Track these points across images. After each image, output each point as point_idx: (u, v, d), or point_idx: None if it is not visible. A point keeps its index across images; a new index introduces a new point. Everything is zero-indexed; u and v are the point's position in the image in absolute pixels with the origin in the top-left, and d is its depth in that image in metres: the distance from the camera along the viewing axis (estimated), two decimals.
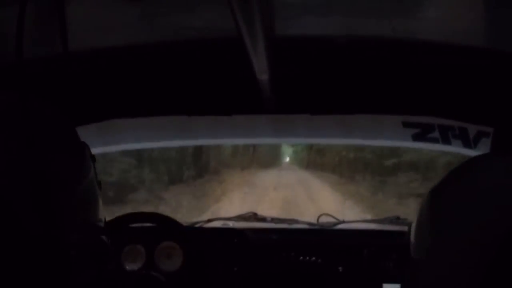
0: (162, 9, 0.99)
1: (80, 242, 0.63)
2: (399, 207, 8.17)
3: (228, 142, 1.96)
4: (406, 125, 1.57)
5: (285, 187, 13.62)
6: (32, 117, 0.59)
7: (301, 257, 1.64)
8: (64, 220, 0.60)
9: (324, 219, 1.91)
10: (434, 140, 1.56)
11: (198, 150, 11.63)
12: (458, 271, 0.55)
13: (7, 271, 0.55)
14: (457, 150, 1.58)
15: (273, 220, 1.89)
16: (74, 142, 0.65)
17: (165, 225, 1.54)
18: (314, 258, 1.64)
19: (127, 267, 1.51)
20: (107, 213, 0.75)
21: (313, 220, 1.90)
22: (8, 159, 0.56)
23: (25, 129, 0.57)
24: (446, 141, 1.55)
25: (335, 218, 1.90)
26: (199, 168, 13.03)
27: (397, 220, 1.88)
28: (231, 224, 1.86)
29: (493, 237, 0.52)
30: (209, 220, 1.88)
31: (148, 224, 1.57)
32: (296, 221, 1.90)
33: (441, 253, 0.57)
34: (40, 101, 0.63)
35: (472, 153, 1.54)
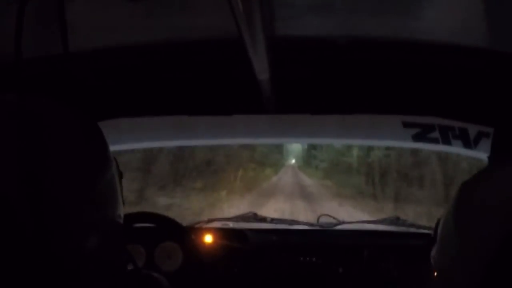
0: (162, 9, 0.99)
1: (96, 242, 0.62)
2: None
3: (228, 142, 1.96)
4: (406, 125, 1.57)
5: None
6: (51, 116, 0.59)
7: (301, 258, 1.64)
8: (78, 219, 0.60)
9: (324, 220, 1.91)
10: (434, 140, 1.56)
11: None
12: (481, 263, 0.55)
13: (17, 268, 0.55)
14: (457, 150, 1.59)
15: (273, 220, 1.89)
16: (95, 141, 0.65)
17: (165, 225, 1.54)
18: (314, 258, 1.64)
19: (127, 267, 1.51)
20: None
21: (313, 220, 1.90)
22: (17, 158, 0.56)
23: (42, 128, 0.57)
24: (446, 141, 1.55)
25: (335, 218, 1.90)
26: None
27: (397, 220, 1.88)
28: (231, 224, 1.87)
29: None
30: (209, 220, 1.88)
31: (148, 224, 1.57)
32: (296, 222, 1.90)
33: (467, 247, 0.58)
34: (61, 100, 0.64)
35: (472, 153, 1.54)
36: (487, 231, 0.56)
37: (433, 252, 0.67)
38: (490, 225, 0.56)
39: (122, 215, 0.68)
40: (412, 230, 1.85)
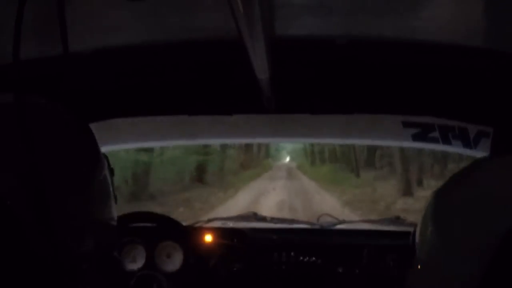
0: (162, 8, 0.99)
1: (91, 246, 0.62)
2: None
3: (228, 141, 1.97)
4: (406, 125, 1.57)
5: None
6: (43, 117, 0.60)
7: (301, 257, 1.64)
8: (72, 220, 0.60)
9: (324, 219, 1.91)
10: (434, 140, 1.56)
11: None
12: (462, 270, 0.55)
13: (15, 270, 0.55)
14: (457, 150, 1.59)
15: (273, 220, 1.89)
16: (88, 143, 0.65)
17: (165, 225, 1.54)
18: (314, 258, 1.64)
19: (127, 267, 1.51)
20: None
21: (313, 220, 1.90)
22: (15, 160, 0.56)
23: (35, 130, 0.57)
24: (446, 141, 1.55)
25: (335, 218, 1.90)
26: None
27: (397, 220, 1.88)
28: (231, 224, 1.87)
29: (496, 236, 0.53)
30: (209, 220, 1.88)
31: (148, 224, 1.57)
32: (296, 221, 1.90)
33: (446, 253, 0.57)
34: (54, 102, 0.64)
35: (472, 153, 1.54)
36: (480, 230, 0.55)
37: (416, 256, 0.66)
38: (481, 225, 0.56)
39: (115, 214, 0.69)
40: (412, 229, 1.84)
